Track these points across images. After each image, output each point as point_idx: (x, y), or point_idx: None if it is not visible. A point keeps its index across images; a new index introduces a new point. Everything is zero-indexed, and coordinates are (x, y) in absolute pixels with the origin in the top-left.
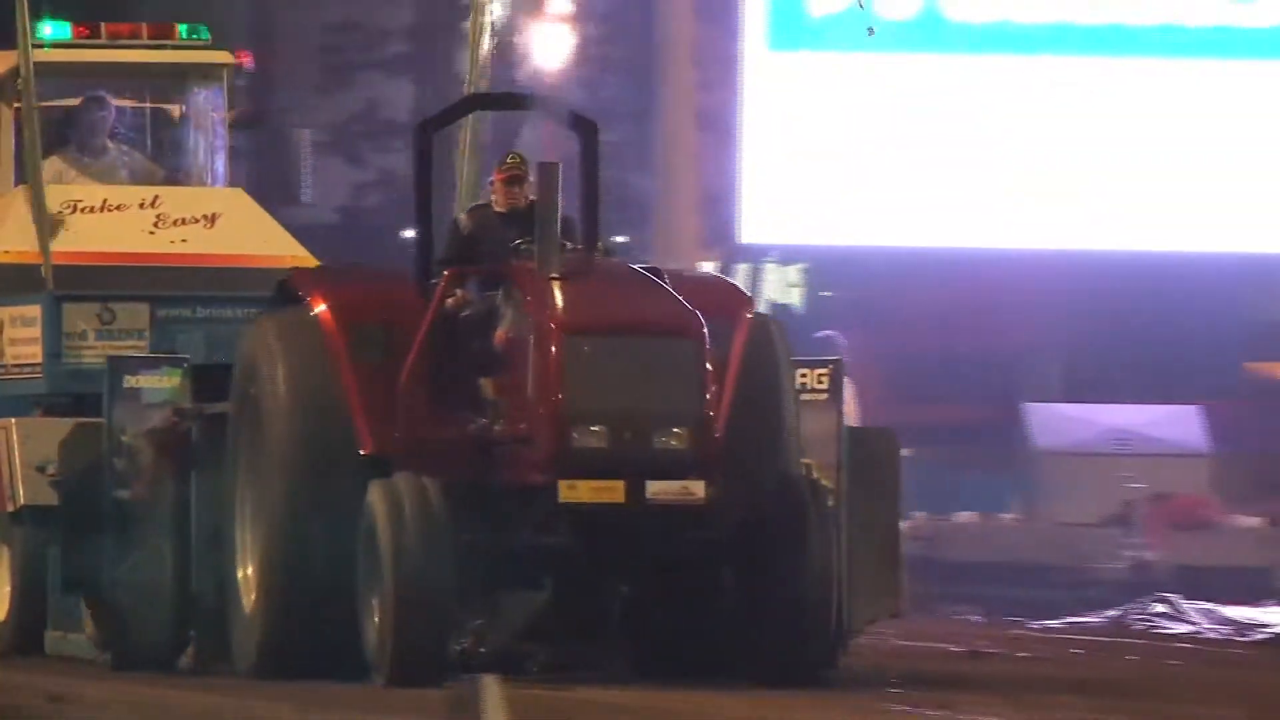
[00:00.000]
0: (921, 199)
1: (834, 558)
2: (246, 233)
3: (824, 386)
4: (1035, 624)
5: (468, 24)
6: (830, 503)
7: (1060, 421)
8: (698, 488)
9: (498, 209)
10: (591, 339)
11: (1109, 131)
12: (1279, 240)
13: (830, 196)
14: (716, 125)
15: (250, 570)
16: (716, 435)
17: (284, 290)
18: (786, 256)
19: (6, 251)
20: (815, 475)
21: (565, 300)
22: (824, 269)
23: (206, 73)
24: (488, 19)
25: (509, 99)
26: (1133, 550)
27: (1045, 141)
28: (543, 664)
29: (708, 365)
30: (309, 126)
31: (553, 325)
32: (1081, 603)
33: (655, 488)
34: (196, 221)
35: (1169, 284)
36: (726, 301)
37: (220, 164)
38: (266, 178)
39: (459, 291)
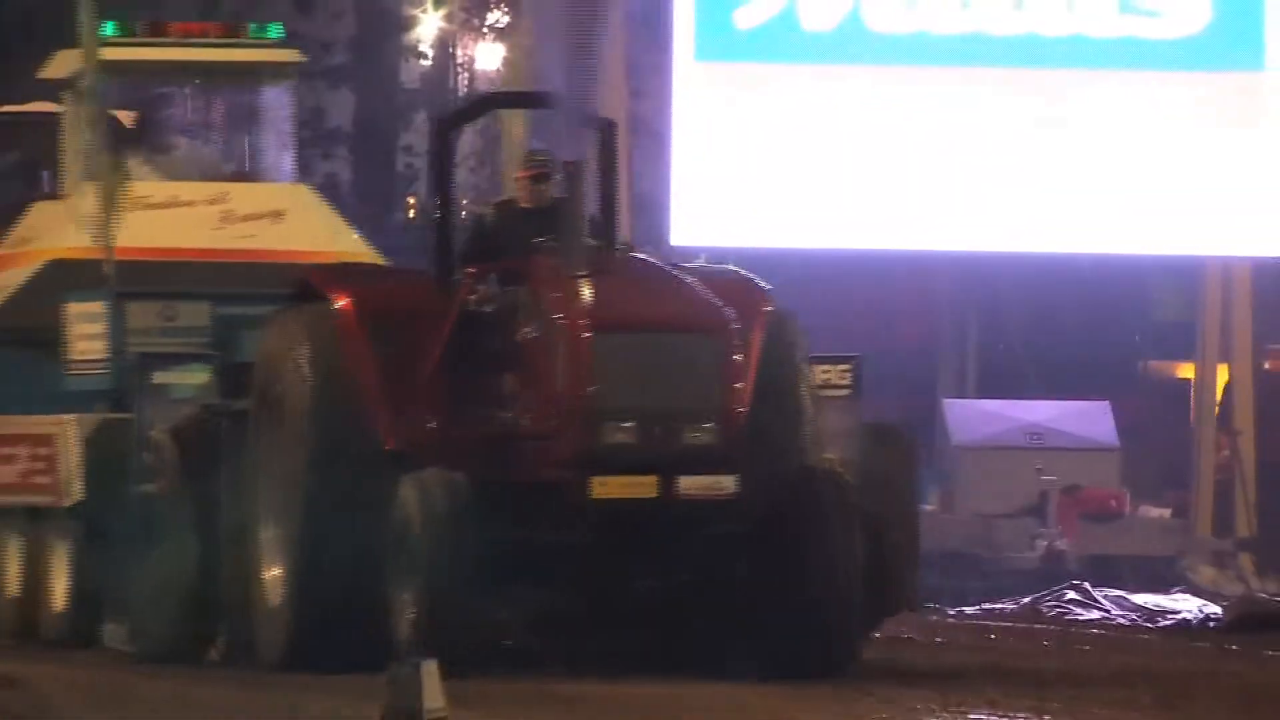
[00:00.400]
0: (843, 203)
1: (857, 552)
2: (312, 229)
3: (845, 383)
4: (953, 611)
5: (408, 36)
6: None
7: (976, 417)
8: (727, 482)
9: (522, 205)
10: (619, 337)
11: (1020, 139)
12: (1180, 244)
13: (757, 201)
14: (648, 131)
15: (274, 565)
16: (744, 430)
17: (303, 287)
18: (715, 258)
19: (71, 248)
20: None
21: (592, 298)
22: (751, 270)
23: (276, 71)
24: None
25: (526, 98)
26: (1046, 540)
27: (960, 148)
28: (560, 656)
29: (735, 360)
30: None
31: (580, 323)
32: (997, 590)
33: (686, 483)
34: (263, 217)
35: (1079, 285)
36: (745, 297)
37: (288, 161)
38: None
39: (480, 288)
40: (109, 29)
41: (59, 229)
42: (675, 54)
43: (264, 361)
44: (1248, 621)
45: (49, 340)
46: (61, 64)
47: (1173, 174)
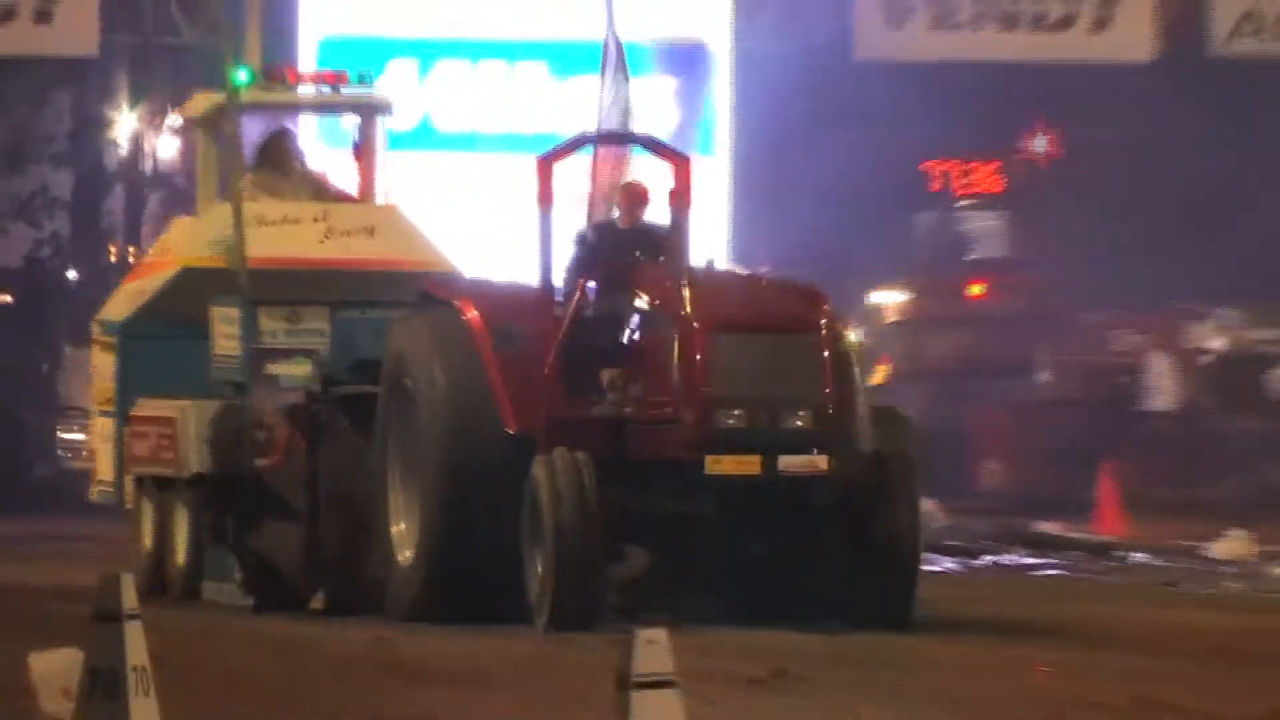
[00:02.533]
0: None
1: (919, 523)
2: (400, 242)
3: None
4: None
5: (110, 131)
6: None
7: None
8: (821, 461)
9: (621, 225)
10: (730, 337)
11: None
12: None
13: None
14: None
15: (405, 529)
16: (833, 416)
17: (425, 295)
18: None
19: (201, 257)
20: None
21: (704, 302)
22: None
23: (371, 109)
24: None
25: (616, 135)
26: None
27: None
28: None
29: (825, 356)
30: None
31: (696, 324)
32: None
33: (785, 461)
34: (359, 233)
35: None
36: (811, 300)
37: (379, 185)
38: None
39: (588, 295)
40: (248, 76)
41: (192, 241)
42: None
43: (394, 358)
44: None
45: (184, 335)
46: (197, 104)
47: None
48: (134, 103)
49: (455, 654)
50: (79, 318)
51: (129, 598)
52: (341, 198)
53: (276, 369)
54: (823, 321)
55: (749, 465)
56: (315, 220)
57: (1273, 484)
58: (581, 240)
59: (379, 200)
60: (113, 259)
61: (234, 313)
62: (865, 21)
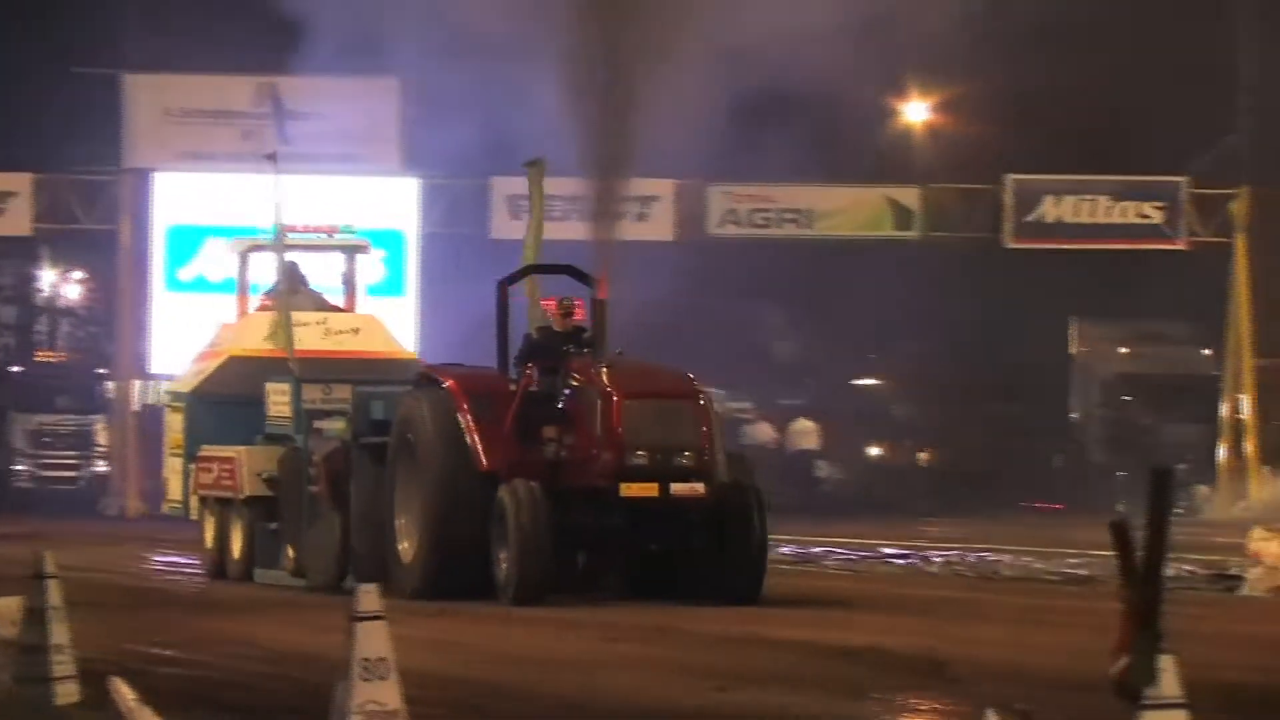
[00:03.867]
0: None
1: (765, 532)
2: (377, 340)
3: None
4: None
5: (36, 282)
6: None
7: None
8: (700, 487)
9: (556, 328)
10: (637, 402)
11: None
12: None
13: None
14: (142, 325)
15: (406, 541)
16: (710, 457)
17: (422, 376)
18: None
19: (243, 349)
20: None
21: (617, 379)
22: None
23: (354, 250)
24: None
25: (555, 266)
26: None
27: None
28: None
29: (703, 415)
30: None
31: (614, 393)
32: None
33: (675, 488)
34: (348, 333)
35: None
36: (687, 378)
37: (359, 301)
38: None
39: (534, 376)
40: (274, 230)
41: (235, 339)
42: (153, 285)
43: (402, 419)
44: None
45: (232, 402)
46: (239, 244)
47: None
48: (53, 265)
49: (255, 599)
50: (17, 395)
51: (51, 565)
52: (334, 309)
53: (322, 425)
54: (699, 393)
55: (650, 490)
56: (318, 324)
57: None
58: (528, 339)
59: (359, 311)
60: (37, 359)
61: (286, 387)
62: (499, 217)
